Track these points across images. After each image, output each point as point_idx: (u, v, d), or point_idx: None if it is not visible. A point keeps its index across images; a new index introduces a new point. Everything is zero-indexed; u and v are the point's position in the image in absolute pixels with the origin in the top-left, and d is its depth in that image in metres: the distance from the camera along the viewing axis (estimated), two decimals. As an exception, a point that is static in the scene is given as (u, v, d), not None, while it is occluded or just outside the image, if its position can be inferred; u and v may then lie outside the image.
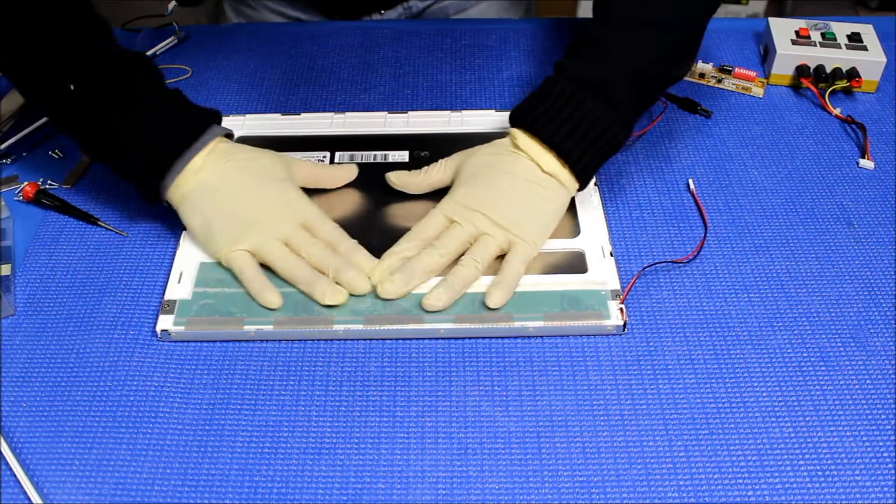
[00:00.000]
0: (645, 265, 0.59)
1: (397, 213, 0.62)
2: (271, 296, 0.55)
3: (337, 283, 0.56)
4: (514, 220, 0.57)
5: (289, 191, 0.59)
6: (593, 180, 0.63)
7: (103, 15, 0.60)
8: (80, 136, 0.59)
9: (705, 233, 0.61)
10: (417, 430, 0.50)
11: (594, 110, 0.57)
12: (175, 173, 0.57)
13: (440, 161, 0.62)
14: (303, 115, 0.71)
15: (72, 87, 0.56)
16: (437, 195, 0.62)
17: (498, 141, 0.61)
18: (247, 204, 0.58)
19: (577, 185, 0.59)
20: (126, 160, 0.58)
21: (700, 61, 0.75)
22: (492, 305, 0.55)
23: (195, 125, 0.58)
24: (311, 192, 0.62)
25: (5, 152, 0.69)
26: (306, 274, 0.56)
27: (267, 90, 0.75)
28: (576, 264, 0.58)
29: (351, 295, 0.55)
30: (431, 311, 0.54)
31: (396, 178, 0.62)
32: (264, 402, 0.51)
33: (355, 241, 0.58)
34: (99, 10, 0.60)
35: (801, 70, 0.73)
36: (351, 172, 0.64)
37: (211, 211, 0.58)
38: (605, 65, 0.58)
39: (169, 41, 0.81)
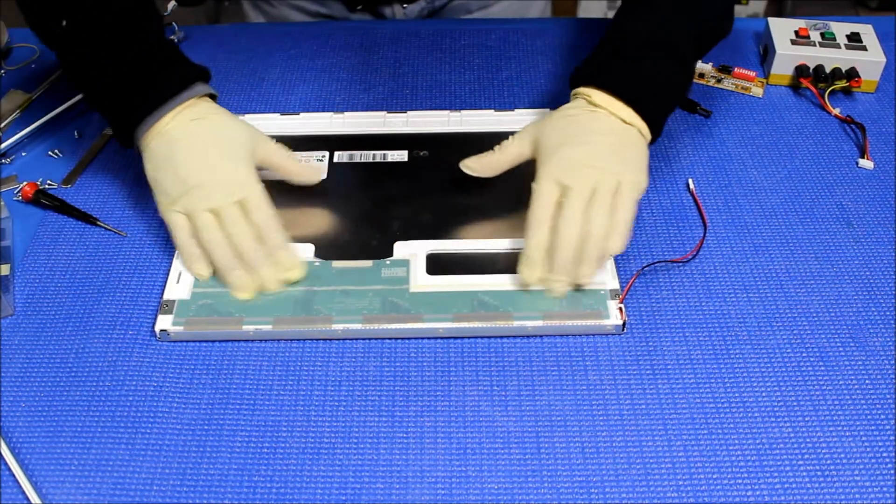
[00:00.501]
0: (644, 265, 0.59)
1: (398, 213, 0.62)
2: (199, 268, 0.56)
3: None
4: (617, 164, 0.57)
5: (236, 164, 0.58)
6: None
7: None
8: (70, 67, 0.60)
9: (705, 232, 0.61)
10: (416, 429, 0.50)
11: (663, 68, 0.60)
12: (147, 125, 0.58)
13: (510, 137, 0.61)
14: (302, 114, 0.71)
15: (63, 23, 0.57)
16: (428, 196, 0.62)
17: (568, 104, 0.61)
18: (191, 167, 0.58)
19: (650, 136, 0.60)
20: (107, 102, 0.59)
21: (699, 61, 0.75)
22: (613, 253, 0.55)
23: (177, 81, 0.59)
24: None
25: (4, 152, 0.69)
26: (226, 259, 0.56)
27: (266, 90, 0.75)
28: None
29: (351, 302, 0.55)
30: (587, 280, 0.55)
31: (474, 163, 0.61)
32: (263, 401, 0.51)
33: (285, 237, 0.57)
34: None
35: (801, 70, 0.73)
36: (317, 174, 0.64)
37: (162, 165, 0.58)
38: (667, 23, 0.61)
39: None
